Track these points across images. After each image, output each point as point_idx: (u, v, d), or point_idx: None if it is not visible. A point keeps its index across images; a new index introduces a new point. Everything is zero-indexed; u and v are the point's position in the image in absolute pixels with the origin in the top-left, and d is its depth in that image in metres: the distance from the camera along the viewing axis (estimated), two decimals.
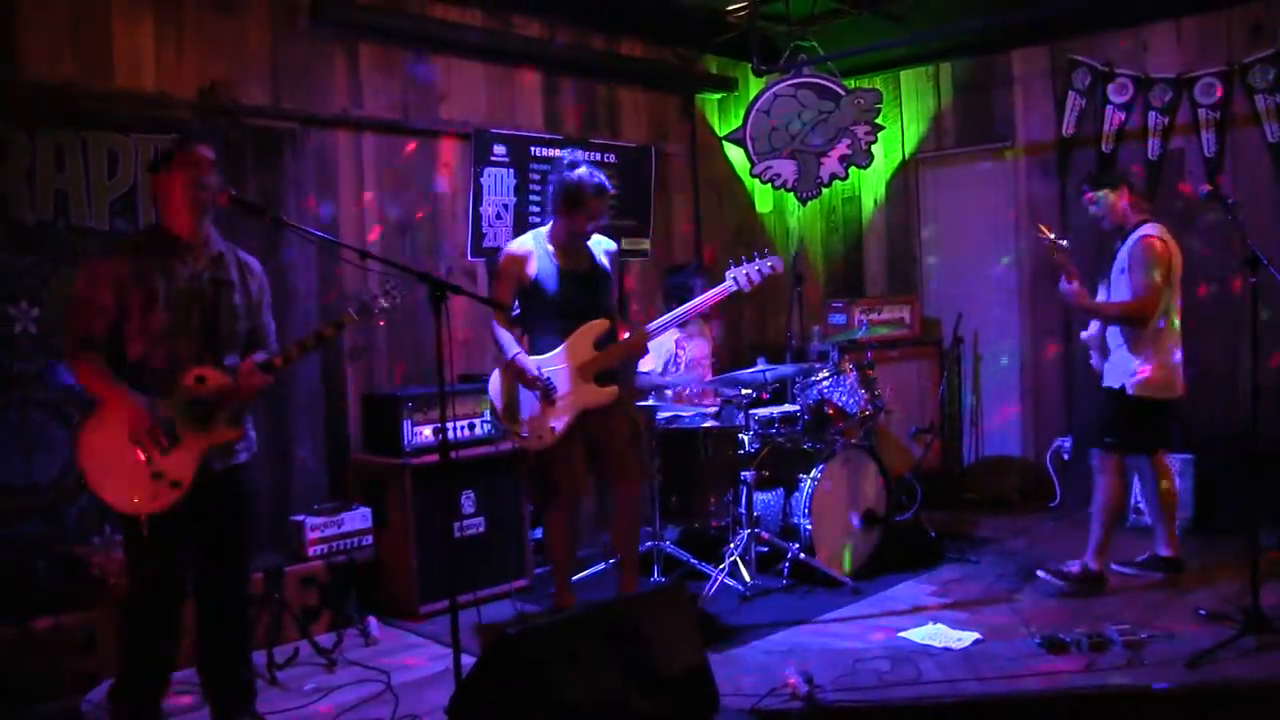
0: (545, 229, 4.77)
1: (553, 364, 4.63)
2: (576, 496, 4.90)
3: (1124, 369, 5.12)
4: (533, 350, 4.72)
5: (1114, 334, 5.18)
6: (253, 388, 3.57)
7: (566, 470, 4.69)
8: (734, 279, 4.75)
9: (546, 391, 4.58)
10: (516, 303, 4.78)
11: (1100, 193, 5.19)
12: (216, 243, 3.63)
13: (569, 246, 4.71)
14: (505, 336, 4.68)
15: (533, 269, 4.66)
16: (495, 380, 4.75)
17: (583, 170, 4.63)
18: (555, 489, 4.75)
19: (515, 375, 4.62)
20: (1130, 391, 5.07)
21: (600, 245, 4.83)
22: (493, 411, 4.78)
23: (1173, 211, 6.47)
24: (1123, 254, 5.11)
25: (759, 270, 4.76)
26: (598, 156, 6.68)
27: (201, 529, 3.58)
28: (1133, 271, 5.03)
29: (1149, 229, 5.09)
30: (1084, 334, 5.43)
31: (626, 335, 4.81)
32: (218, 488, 3.58)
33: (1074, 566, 5.22)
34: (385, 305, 3.78)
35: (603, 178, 4.66)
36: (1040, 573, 5.26)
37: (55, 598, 4.25)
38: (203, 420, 3.49)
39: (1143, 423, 5.15)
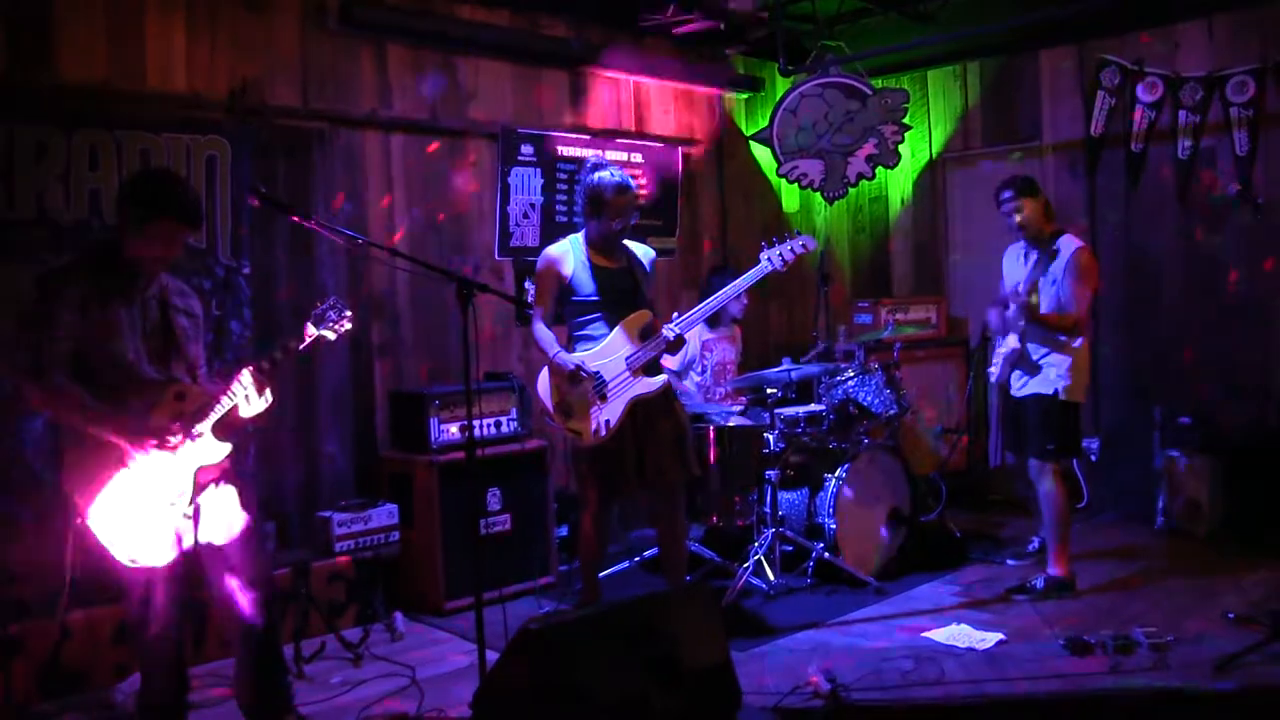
0: (580, 234, 4.80)
1: (600, 358, 4.62)
2: (623, 495, 4.86)
3: (1053, 375, 5.14)
4: (575, 348, 4.71)
5: (1036, 343, 5.17)
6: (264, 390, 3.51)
7: (619, 467, 4.65)
8: (768, 259, 4.74)
9: (595, 385, 4.59)
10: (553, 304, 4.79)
11: (1023, 200, 5.18)
12: (162, 276, 3.57)
13: (602, 247, 4.73)
14: (546, 337, 4.69)
15: (568, 269, 4.69)
16: (544, 379, 4.73)
17: (604, 172, 4.66)
18: (605, 485, 4.70)
19: (557, 370, 4.64)
20: (1063, 397, 5.13)
21: (639, 250, 4.86)
22: (543, 410, 4.75)
23: (1202, 211, 6.44)
24: (1056, 264, 5.08)
25: (791, 249, 4.74)
26: (624, 156, 6.71)
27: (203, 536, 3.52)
28: (1072, 282, 5.07)
29: (1077, 240, 5.19)
30: (1006, 350, 5.28)
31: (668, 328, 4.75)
32: (211, 494, 3.53)
33: (1039, 582, 5.19)
34: (335, 319, 3.64)
35: (624, 176, 4.68)
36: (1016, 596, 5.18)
37: (93, 592, 4.30)
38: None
39: (1075, 426, 5.26)
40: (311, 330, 3.62)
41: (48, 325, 3.31)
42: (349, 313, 3.68)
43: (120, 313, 3.39)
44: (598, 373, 4.58)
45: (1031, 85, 7.22)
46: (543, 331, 4.71)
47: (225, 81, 5.03)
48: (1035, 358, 5.19)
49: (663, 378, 4.71)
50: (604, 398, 4.59)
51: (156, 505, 3.36)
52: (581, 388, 4.60)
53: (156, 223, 3.39)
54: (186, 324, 3.59)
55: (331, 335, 3.64)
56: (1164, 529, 6.23)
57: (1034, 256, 5.14)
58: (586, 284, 4.68)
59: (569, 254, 4.72)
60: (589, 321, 4.71)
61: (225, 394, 3.48)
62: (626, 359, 4.62)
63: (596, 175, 4.66)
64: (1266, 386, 6.17)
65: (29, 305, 3.41)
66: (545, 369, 4.72)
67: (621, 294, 4.72)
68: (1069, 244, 5.12)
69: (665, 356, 4.77)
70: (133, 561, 3.34)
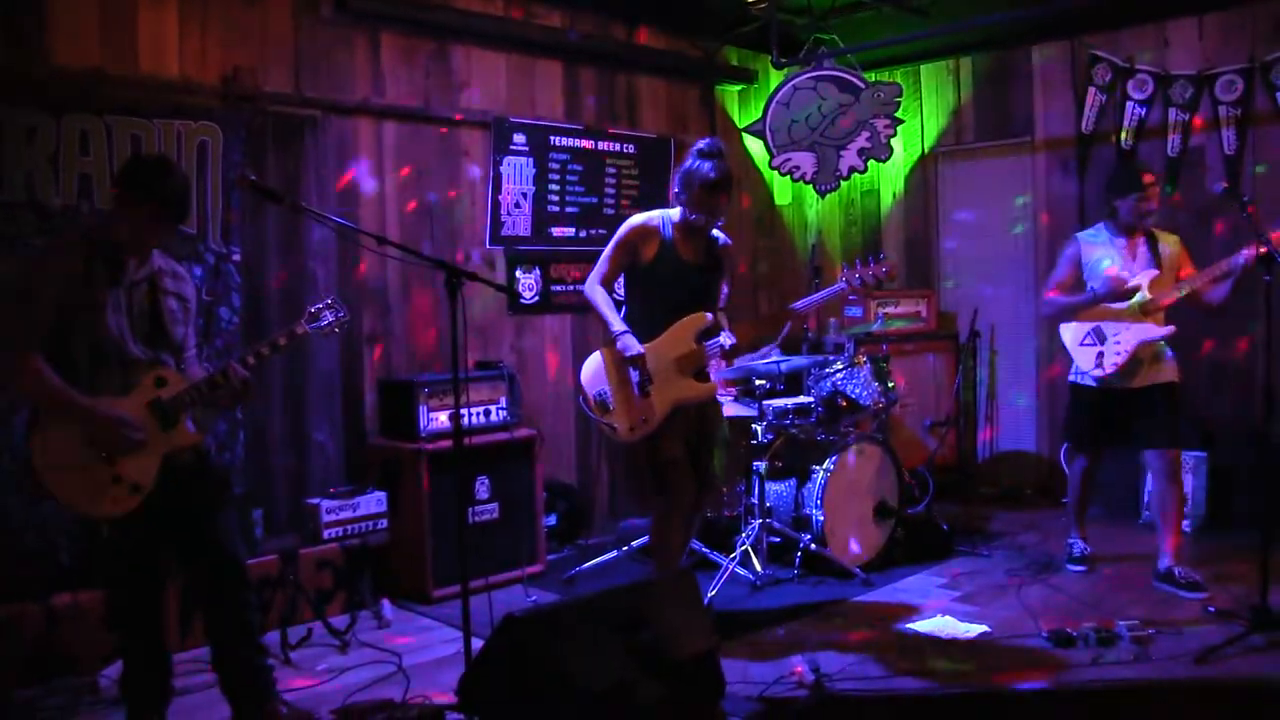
0: (675, 211, 4.55)
1: (650, 353, 4.41)
2: (690, 495, 4.55)
3: (1173, 362, 5.18)
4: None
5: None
6: (248, 385, 3.54)
7: (676, 468, 4.47)
8: (845, 280, 4.53)
9: (645, 380, 4.40)
10: (622, 279, 4.65)
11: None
12: (156, 258, 3.59)
13: (687, 235, 4.51)
14: (606, 305, 4.48)
15: (653, 250, 4.47)
16: (596, 361, 4.56)
17: (704, 162, 4.40)
18: (669, 488, 4.49)
19: (617, 353, 4.42)
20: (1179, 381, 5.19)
21: (719, 238, 4.65)
22: (584, 400, 4.58)
23: (1190, 209, 6.47)
24: (1173, 252, 5.18)
25: (872, 274, 4.51)
26: (617, 147, 6.72)
27: (174, 523, 3.55)
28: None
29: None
30: (1141, 339, 5.09)
31: (727, 335, 4.48)
32: (184, 481, 3.54)
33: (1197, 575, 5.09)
34: (331, 320, 3.71)
35: (722, 172, 4.40)
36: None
37: (78, 575, 4.33)
38: (165, 422, 3.46)
39: None
40: (303, 328, 3.66)
41: (31, 301, 3.33)
42: (344, 313, 3.74)
43: (106, 293, 3.41)
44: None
45: (1024, 81, 7.25)
46: (603, 297, 4.50)
47: (218, 68, 5.02)
48: (1164, 346, 5.15)
49: (711, 385, 4.53)
50: (648, 395, 4.41)
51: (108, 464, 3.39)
52: (627, 379, 4.44)
53: (142, 208, 3.42)
54: (175, 307, 3.61)
55: (324, 335, 3.70)
56: (1148, 523, 6.26)
57: (1140, 247, 5.15)
58: (666, 271, 4.47)
59: (657, 233, 4.50)
60: (651, 311, 4.51)
61: (206, 384, 3.51)
62: (677, 359, 4.44)
63: (696, 161, 4.41)
64: (1252, 382, 6.20)
65: (16, 276, 3.44)
66: (599, 353, 4.55)
67: (693, 292, 4.51)
68: (1168, 239, 5.20)
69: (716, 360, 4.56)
70: (94, 510, 3.39)
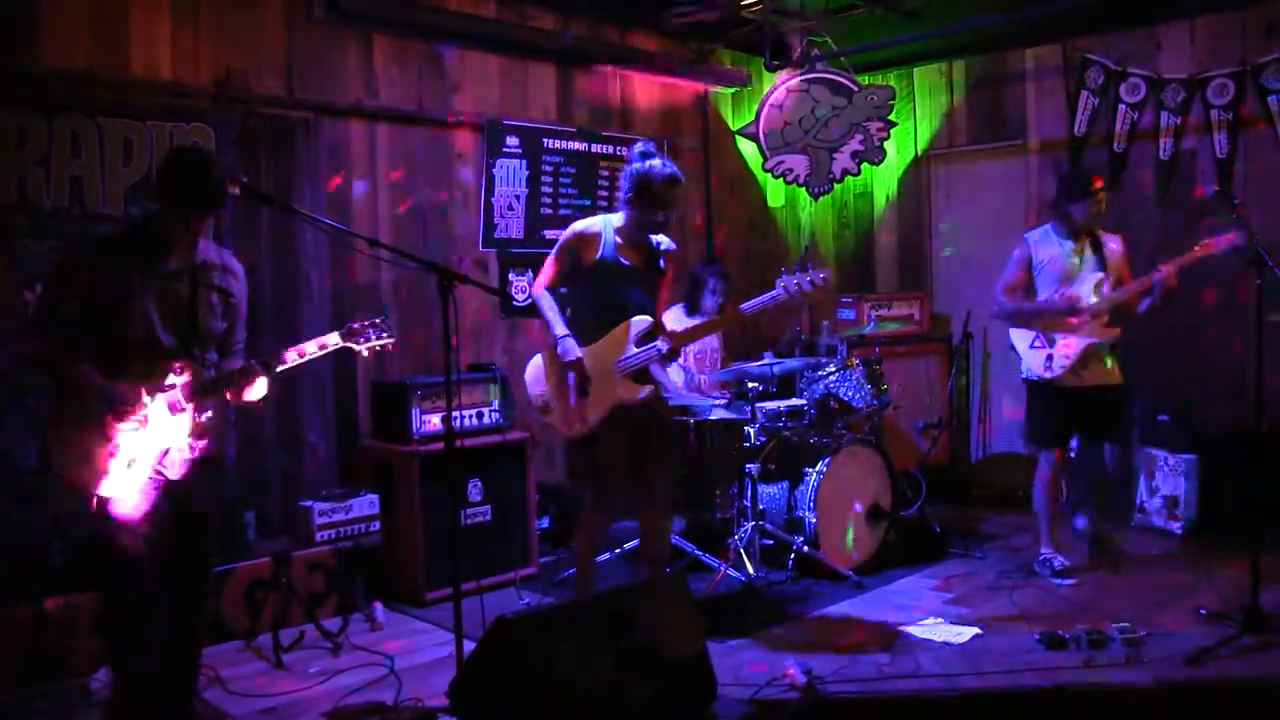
0: (617, 216, 4.61)
1: (591, 356, 4.49)
2: (623, 496, 4.67)
3: (1118, 363, 5.37)
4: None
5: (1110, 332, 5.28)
6: (252, 382, 3.55)
7: (611, 468, 4.55)
8: (783, 287, 4.51)
9: (583, 382, 4.49)
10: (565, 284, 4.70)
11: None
12: (205, 252, 3.59)
13: (634, 239, 4.56)
14: (554, 314, 4.57)
15: (596, 253, 4.53)
16: (537, 363, 4.64)
17: (655, 160, 4.48)
18: (602, 484, 4.60)
19: (557, 357, 4.51)
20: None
21: (664, 243, 4.69)
22: (529, 399, 4.67)
23: (1182, 212, 6.49)
24: (1118, 251, 5.34)
25: (810, 280, 4.48)
26: (610, 149, 6.72)
27: (175, 520, 3.55)
28: (1128, 275, 5.28)
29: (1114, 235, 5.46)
30: (1090, 341, 5.24)
31: (665, 339, 4.52)
32: (193, 479, 3.55)
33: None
34: (372, 339, 3.68)
35: (675, 168, 4.50)
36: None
37: (71, 578, 4.32)
38: (170, 411, 3.46)
39: None
40: (335, 341, 3.62)
41: (59, 288, 3.44)
42: (389, 335, 3.70)
43: (140, 283, 3.43)
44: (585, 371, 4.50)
45: (1017, 84, 7.26)
46: (548, 301, 4.59)
47: (210, 70, 5.02)
48: (1110, 348, 5.29)
49: (650, 386, 4.57)
50: (586, 395, 4.49)
51: (131, 461, 3.42)
52: (567, 381, 4.53)
53: (171, 200, 3.45)
54: (215, 301, 3.61)
55: (364, 352, 3.67)
56: (1141, 525, 6.28)
57: (1087, 249, 5.29)
58: (608, 275, 4.54)
59: (600, 237, 4.56)
60: (593, 314, 4.57)
61: (225, 380, 3.54)
62: (617, 362, 4.49)
63: (647, 163, 4.47)
64: (1243, 385, 6.21)
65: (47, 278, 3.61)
66: (540, 355, 4.64)
67: (635, 295, 4.57)
68: (1113, 239, 5.37)
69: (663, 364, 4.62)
70: (104, 490, 3.40)
